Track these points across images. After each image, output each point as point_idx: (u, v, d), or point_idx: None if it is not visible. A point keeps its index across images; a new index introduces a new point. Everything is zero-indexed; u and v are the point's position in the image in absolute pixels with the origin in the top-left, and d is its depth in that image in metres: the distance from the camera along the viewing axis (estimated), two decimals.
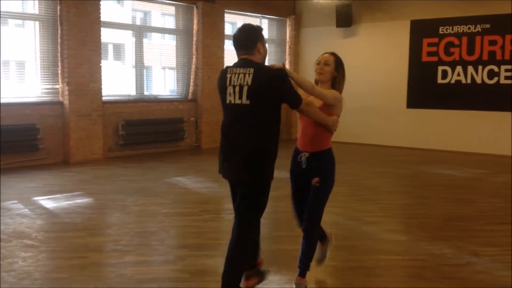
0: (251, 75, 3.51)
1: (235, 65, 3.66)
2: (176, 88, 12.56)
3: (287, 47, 14.64)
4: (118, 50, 15.36)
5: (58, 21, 9.87)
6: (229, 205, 6.69)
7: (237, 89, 3.56)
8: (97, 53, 10.35)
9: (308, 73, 14.39)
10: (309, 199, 4.00)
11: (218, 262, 4.58)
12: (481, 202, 7.24)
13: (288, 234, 5.55)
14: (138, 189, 7.72)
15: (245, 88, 3.52)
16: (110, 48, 14.19)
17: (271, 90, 3.52)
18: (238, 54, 3.69)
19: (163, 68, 13.28)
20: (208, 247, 5.03)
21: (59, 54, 9.96)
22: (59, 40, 9.93)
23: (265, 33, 14.47)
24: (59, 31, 9.91)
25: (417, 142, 12.67)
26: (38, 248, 4.92)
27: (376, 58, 13.27)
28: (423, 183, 8.84)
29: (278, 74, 3.54)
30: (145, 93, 11.82)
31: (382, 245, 5.28)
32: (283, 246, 5.19)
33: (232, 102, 3.59)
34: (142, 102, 11.54)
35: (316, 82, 4.09)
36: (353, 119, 13.51)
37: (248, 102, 3.52)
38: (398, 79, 12.94)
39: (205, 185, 8.10)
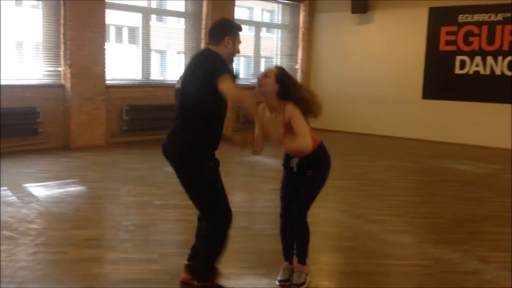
0: (192, 62, 3.53)
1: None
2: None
3: (300, 33, 14.18)
4: (123, 33, 15.05)
5: (61, 1, 9.56)
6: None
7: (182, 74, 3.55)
8: (101, 35, 10.04)
9: (322, 60, 13.99)
10: (300, 191, 3.91)
11: None
12: (493, 201, 6.82)
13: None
14: (135, 178, 7.43)
15: (183, 74, 3.54)
16: (113, 31, 13.86)
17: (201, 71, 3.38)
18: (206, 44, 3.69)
19: (171, 52, 12.96)
20: None
21: (61, 36, 9.68)
22: (62, 21, 9.64)
23: (278, 18, 14.10)
24: (62, 12, 9.61)
25: (432, 135, 12.20)
26: (16, 241, 4.64)
27: (392, 46, 12.78)
28: (434, 179, 8.42)
29: (211, 62, 3.39)
30: (151, 77, 11.50)
31: (383, 248, 4.91)
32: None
33: (176, 86, 3.59)
34: (148, 87, 11.22)
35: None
36: (366, 109, 13.12)
37: (181, 87, 3.50)
38: (414, 69, 12.44)
39: None
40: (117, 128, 10.61)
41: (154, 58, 12.03)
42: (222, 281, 3.73)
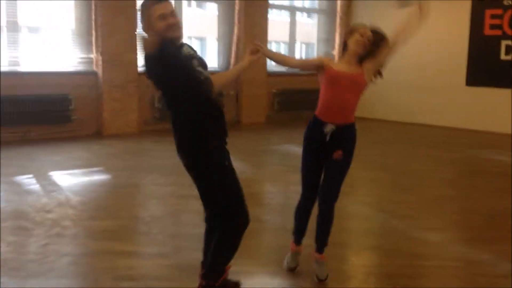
0: None
1: None
2: (217, 60, 12.05)
3: (338, 17, 13.76)
4: None
5: None
6: (252, 190, 6.04)
7: None
8: (132, 21, 9.94)
9: None
10: (329, 173, 3.74)
11: None
12: None
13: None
14: (162, 167, 7.31)
15: None
16: None
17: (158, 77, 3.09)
18: None
19: (204, 38, 12.80)
20: None
21: (93, 22, 9.64)
22: (93, 7, 9.59)
23: (314, 3, 13.71)
24: None
25: (475, 123, 11.65)
26: (30, 232, 4.58)
27: (434, 31, 12.14)
28: (474, 170, 8.02)
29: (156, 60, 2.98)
30: None
31: (410, 247, 4.61)
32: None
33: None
34: None
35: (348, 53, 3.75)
36: (407, 97, 12.66)
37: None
38: (457, 54, 11.89)
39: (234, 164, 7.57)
40: (149, 116, 10.54)
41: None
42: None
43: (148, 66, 3.09)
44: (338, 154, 3.66)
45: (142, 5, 3.10)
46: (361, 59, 3.74)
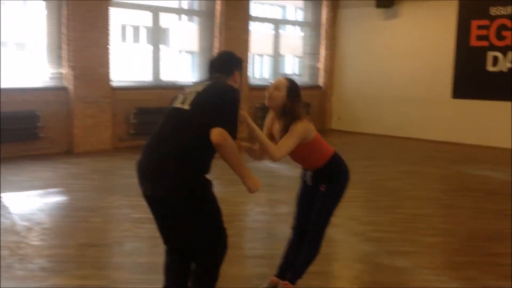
0: (204, 85, 3.07)
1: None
2: (198, 74, 11.73)
3: (323, 30, 13.47)
4: (134, 32, 14.67)
5: (64, 0, 9.18)
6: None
7: (186, 95, 3.05)
8: (105, 35, 9.63)
9: (346, 58, 13.27)
10: (316, 205, 3.64)
11: None
12: None
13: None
14: (126, 187, 6.90)
15: (193, 95, 3.01)
16: (126, 30, 13.49)
17: (213, 98, 2.97)
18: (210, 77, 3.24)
19: (182, 52, 12.51)
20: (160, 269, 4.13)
21: (64, 36, 9.31)
22: (64, 21, 9.27)
23: (300, 15, 13.46)
24: (64, 12, 9.23)
25: (462, 137, 11.32)
26: None
27: (419, 42, 11.94)
28: (456, 187, 7.65)
29: (228, 92, 3.02)
30: (162, 79, 11.03)
31: (374, 274, 4.23)
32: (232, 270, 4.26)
33: (174, 105, 3.07)
34: (158, 88, 10.75)
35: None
36: (392, 110, 12.35)
37: (189, 108, 2.96)
38: (443, 66, 11.60)
39: None
40: (124, 132, 10.18)
41: (166, 58, 11.58)
42: None
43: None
44: (322, 187, 3.59)
45: (240, 59, 3.30)
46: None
